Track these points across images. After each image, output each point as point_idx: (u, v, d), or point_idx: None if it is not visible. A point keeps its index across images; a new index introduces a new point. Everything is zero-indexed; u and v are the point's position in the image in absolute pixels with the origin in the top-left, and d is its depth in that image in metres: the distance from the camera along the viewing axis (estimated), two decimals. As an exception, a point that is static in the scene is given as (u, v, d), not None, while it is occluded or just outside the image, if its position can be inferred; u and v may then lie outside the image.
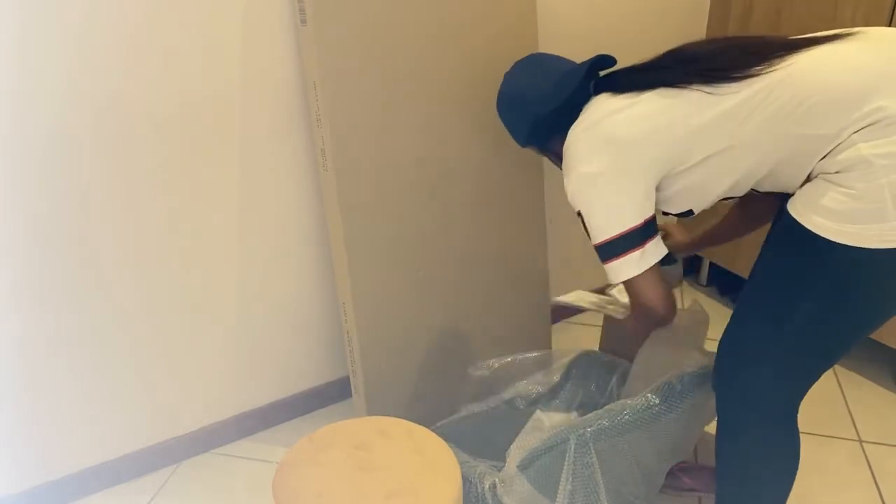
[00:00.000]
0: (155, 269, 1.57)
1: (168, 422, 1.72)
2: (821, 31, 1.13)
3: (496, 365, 1.63)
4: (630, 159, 1.15)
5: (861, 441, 1.77)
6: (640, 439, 1.32)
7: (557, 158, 1.29)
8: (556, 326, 2.20)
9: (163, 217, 1.53)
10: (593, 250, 1.24)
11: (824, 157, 1.05)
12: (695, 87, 1.11)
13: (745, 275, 1.24)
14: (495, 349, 1.75)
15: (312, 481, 1.17)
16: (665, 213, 1.29)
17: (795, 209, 1.08)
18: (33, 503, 1.59)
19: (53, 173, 1.39)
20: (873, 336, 1.84)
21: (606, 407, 1.33)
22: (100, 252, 1.49)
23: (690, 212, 1.25)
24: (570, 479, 1.28)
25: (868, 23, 1.74)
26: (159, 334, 1.63)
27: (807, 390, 1.21)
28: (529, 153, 1.46)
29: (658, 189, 1.20)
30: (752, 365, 1.18)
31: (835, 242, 1.03)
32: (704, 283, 2.45)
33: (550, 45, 1.82)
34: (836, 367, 2.03)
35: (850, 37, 1.08)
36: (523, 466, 1.29)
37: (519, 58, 1.38)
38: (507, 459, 1.31)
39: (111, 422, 1.64)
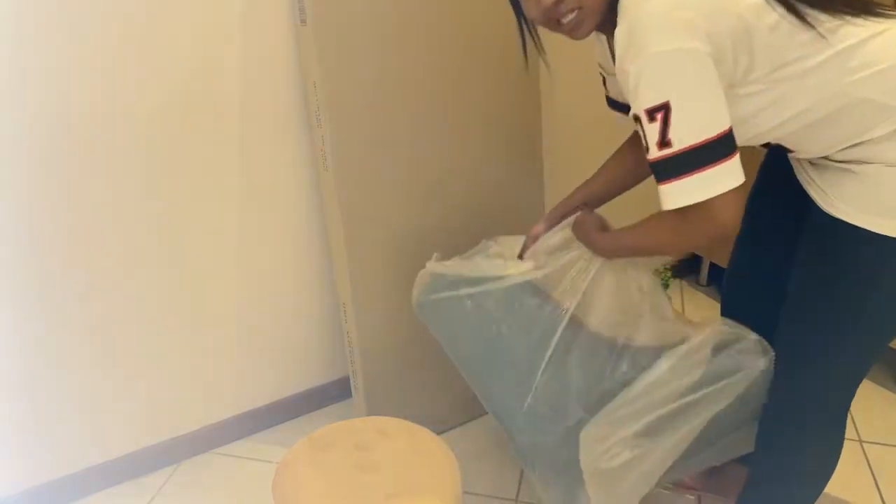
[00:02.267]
0: (154, 269, 1.56)
1: (168, 422, 1.72)
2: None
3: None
4: (721, 47, 0.92)
5: (861, 441, 1.76)
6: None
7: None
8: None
9: (162, 217, 1.53)
10: None
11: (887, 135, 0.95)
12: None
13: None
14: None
15: (312, 481, 1.17)
16: None
17: (842, 212, 1.02)
18: (33, 503, 1.59)
19: (51, 173, 1.39)
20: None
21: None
22: (98, 252, 1.49)
23: None
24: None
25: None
26: (159, 334, 1.63)
27: (854, 393, 1.18)
28: (529, 151, 1.45)
29: None
30: (815, 366, 1.14)
31: None
32: (704, 283, 2.45)
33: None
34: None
35: None
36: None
37: (519, 57, 1.34)
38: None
39: (111, 422, 1.64)
